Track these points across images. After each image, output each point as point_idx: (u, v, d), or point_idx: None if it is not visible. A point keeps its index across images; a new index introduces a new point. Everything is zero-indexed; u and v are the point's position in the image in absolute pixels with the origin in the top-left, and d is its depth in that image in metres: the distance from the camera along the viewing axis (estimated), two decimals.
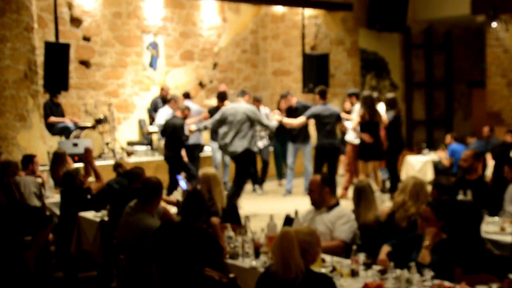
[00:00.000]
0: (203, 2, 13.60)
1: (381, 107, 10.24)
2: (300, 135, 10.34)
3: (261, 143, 10.73)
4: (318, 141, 9.52)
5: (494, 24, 13.68)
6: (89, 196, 6.47)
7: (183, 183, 6.87)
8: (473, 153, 6.50)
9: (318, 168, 9.53)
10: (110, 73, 12.47)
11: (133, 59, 12.74)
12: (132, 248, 4.79)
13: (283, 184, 11.19)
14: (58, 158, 7.65)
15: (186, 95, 11.29)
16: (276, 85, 14.59)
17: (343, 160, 10.85)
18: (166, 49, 13.19)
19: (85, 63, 12.15)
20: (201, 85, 13.90)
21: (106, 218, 5.89)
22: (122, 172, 6.54)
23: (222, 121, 8.64)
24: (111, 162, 8.65)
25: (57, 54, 10.27)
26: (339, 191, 9.59)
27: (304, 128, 10.28)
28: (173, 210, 6.02)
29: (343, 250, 4.73)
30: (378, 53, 14.86)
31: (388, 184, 10.11)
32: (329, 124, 9.45)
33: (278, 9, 14.42)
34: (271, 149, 11.44)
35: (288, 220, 5.36)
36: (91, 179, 7.21)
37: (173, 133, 9.44)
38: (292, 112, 10.32)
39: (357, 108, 10.01)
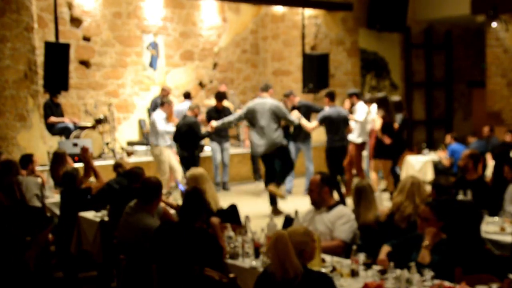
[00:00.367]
0: (203, 2, 13.60)
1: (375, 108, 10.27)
2: (301, 134, 10.33)
3: None
4: (329, 143, 9.52)
5: (494, 24, 13.68)
6: (89, 196, 6.47)
7: (182, 187, 6.87)
8: (469, 153, 6.52)
9: (333, 169, 9.52)
10: (110, 73, 12.47)
11: (133, 59, 12.74)
12: (132, 248, 4.78)
13: (283, 183, 11.16)
14: (58, 158, 7.65)
15: (186, 95, 11.29)
16: (276, 85, 14.57)
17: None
18: (166, 49, 13.20)
19: (85, 63, 12.16)
20: (201, 85, 13.90)
21: (106, 218, 5.89)
22: (122, 172, 6.55)
23: (247, 117, 8.71)
24: (111, 162, 8.66)
25: (57, 54, 10.27)
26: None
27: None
28: (172, 211, 6.02)
29: (343, 250, 4.73)
30: (378, 53, 14.85)
31: (382, 185, 10.20)
32: (339, 126, 9.48)
33: (278, 9, 14.42)
34: None
35: (288, 220, 5.36)
36: (92, 179, 7.22)
37: (188, 132, 9.38)
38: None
39: (358, 108, 10.02)
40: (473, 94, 16.82)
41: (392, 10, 14.04)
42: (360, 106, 10.13)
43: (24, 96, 8.85)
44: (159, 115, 9.74)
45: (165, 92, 11.60)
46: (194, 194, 4.58)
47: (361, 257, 4.14)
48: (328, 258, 4.32)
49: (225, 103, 11.06)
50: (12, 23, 8.68)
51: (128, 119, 12.71)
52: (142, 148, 11.39)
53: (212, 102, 11.19)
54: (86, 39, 12.12)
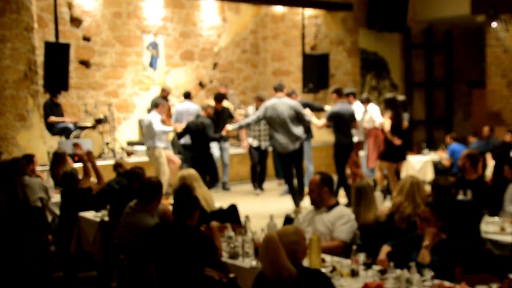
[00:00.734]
0: (203, 2, 13.60)
1: (372, 108, 10.26)
2: None
3: (264, 144, 10.77)
4: (338, 140, 9.33)
5: (494, 24, 13.69)
6: (89, 197, 6.46)
7: None
8: (467, 153, 6.52)
9: (341, 166, 9.46)
10: (110, 73, 12.47)
11: (133, 59, 12.74)
12: (132, 248, 4.78)
13: (283, 183, 11.18)
14: (58, 158, 7.65)
15: (186, 95, 11.28)
16: None
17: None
18: (166, 49, 13.20)
19: (85, 63, 12.16)
20: (201, 85, 13.90)
21: (106, 218, 5.89)
22: (122, 172, 6.54)
23: (266, 117, 8.76)
24: (111, 162, 8.65)
25: (57, 54, 10.27)
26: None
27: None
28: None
29: (343, 250, 4.72)
30: (378, 53, 14.85)
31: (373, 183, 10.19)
32: (347, 123, 9.40)
33: (278, 9, 14.42)
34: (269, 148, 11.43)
35: (288, 220, 5.36)
36: (93, 179, 7.22)
37: (200, 132, 9.16)
38: None
39: (355, 107, 10.01)
40: (473, 94, 16.82)
41: (392, 10, 14.04)
42: (357, 105, 10.12)
43: (24, 96, 8.85)
44: (155, 116, 9.60)
45: (165, 92, 11.59)
46: (182, 192, 4.58)
47: (361, 257, 4.13)
48: (328, 258, 4.31)
49: (225, 103, 11.06)
50: (12, 23, 8.68)
51: (128, 119, 12.71)
52: (142, 148, 11.37)
53: (212, 102, 11.18)
54: (86, 39, 12.12)
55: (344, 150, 9.41)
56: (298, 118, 8.79)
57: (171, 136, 10.59)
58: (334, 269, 4.05)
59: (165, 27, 13.17)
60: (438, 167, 11.03)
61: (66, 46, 10.54)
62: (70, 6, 11.85)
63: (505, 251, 4.96)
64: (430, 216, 4.28)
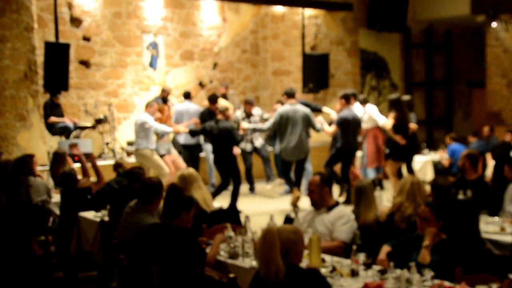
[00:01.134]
0: (203, 2, 13.59)
1: (371, 108, 10.25)
2: None
3: (258, 142, 10.70)
4: (344, 145, 9.41)
5: (494, 24, 13.69)
6: (89, 196, 6.47)
7: None
8: (466, 153, 6.53)
9: (346, 170, 9.54)
10: (110, 73, 12.47)
11: (133, 59, 12.74)
12: (132, 248, 4.78)
13: (283, 183, 11.18)
14: (58, 158, 7.65)
15: (186, 95, 11.28)
16: (276, 85, 14.58)
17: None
18: (166, 49, 13.19)
19: (85, 63, 12.15)
20: (201, 85, 13.89)
21: (106, 218, 5.89)
22: (122, 172, 6.55)
23: (279, 124, 8.82)
24: (111, 162, 8.65)
25: (57, 54, 10.27)
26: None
27: None
28: None
29: (343, 250, 4.72)
30: (378, 53, 14.85)
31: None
32: (354, 129, 9.49)
33: (278, 9, 14.42)
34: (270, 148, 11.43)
35: (288, 220, 5.36)
36: (92, 179, 7.22)
37: (225, 137, 8.83)
38: None
39: (355, 108, 10.01)
40: (473, 94, 16.83)
41: (392, 10, 14.04)
42: (357, 107, 10.13)
43: (24, 96, 8.85)
44: (149, 116, 9.42)
45: (165, 93, 11.58)
46: (171, 192, 4.56)
47: (361, 257, 4.14)
48: (328, 258, 4.32)
49: (225, 103, 11.02)
50: (12, 23, 8.68)
51: (128, 119, 12.70)
52: None
53: (206, 102, 11.17)
54: (86, 39, 12.12)
55: (349, 154, 9.48)
56: (310, 126, 8.92)
57: (171, 136, 10.57)
58: (334, 269, 4.05)
59: (165, 27, 13.17)
60: (438, 167, 11.03)
61: (66, 46, 10.54)
62: (70, 6, 11.85)
63: (505, 251, 4.96)
64: (430, 216, 4.28)
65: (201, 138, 10.64)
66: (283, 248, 3.45)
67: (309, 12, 13.84)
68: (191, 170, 5.90)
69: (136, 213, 4.96)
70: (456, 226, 4.73)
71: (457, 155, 10.02)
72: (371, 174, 10.19)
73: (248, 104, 10.36)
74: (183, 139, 10.63)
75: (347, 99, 9.52)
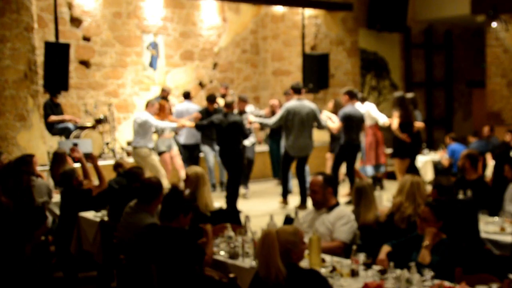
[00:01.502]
0: (203, 2, 13.59)
1: (369, 106, 10.25)
2: None
3: (248, 141, 10.35)
4: (348, 140, 9.36)
5: (494, 24, 13.69)
6: (89, 198, 6.46)
7: None
8: (466, 153, 6.53)
9: (350, 165, 9.48)
10: (110, 73, 12.47)
11: (133, 59, 12.74)
12: (132, 248, 4.78)
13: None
14: (58, 158, 7.64)
15: (186, 95, 11.27)
16: (276, 85, 14.59)
17: (329, 157, 10.79)
18: (166, 49, 13.20)
19: (85, 63, 12.16)
20: (201, 85, 13.90)
21: (106, 218, 5.89)
22: (122, 172, 6.54)
23: (287, 119, 8.79)
24: (111, 162, 8.65)
25: (57, 54, 10.27)
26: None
27: None
28: None
29: (343, 250, 4.72)
30: (378, 53, 14.85)
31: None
32: (357, 125, 9.44)
33: (278, 9, 14.42)
34: (264, 148, 11.38)
35: (288, 220, 5.35)
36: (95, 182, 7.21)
37: (235, 130, 8.74)
38: None
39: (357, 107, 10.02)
40: (473, 94, 16.82)
41: (392, 10, 14.04)
42: (357, 105, 10.11)
43: (24, 96, 8.85)
44: (150, 116, 9.43)
45: (165, 93, 11.58)
46: (170, 194, 4.54)
47: (361, 257, 4.13)
48: (328, 258, 4.31)
49: (217, 104, 10.93)
50: (12, 23, 8.67)
51: (128, 119, 12.70)
52: None
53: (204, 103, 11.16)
54: (86, 39, 12.12)
55: (352, 150, 9.46)
56: (316, 122, 8.93)
57: (172, 134, 10.57)
58: (334, 269, 4.05)
59: (165, 27, 13.17)
60: (438, 167, 11.03)
61: (66, 46, 10.54)
62: (70, 6, 11.85)
63: (505, 251, 4.96)
64: (430, 216, 4.28)
65: (200, 138, 10.59)
66: (283, 249, 3.45)
67: (309, 12, 13.84)
68: (198, 168, 5.85)
69: (136, 213, 4.96)
70: (456, 226, 4.72)
71: (457, 155, 10.03)
72: (369, 171, 10.19)
73: (242, 102, 10.29)
74: (183, 139, 10.62)
75: (351, 95, 9.47)
